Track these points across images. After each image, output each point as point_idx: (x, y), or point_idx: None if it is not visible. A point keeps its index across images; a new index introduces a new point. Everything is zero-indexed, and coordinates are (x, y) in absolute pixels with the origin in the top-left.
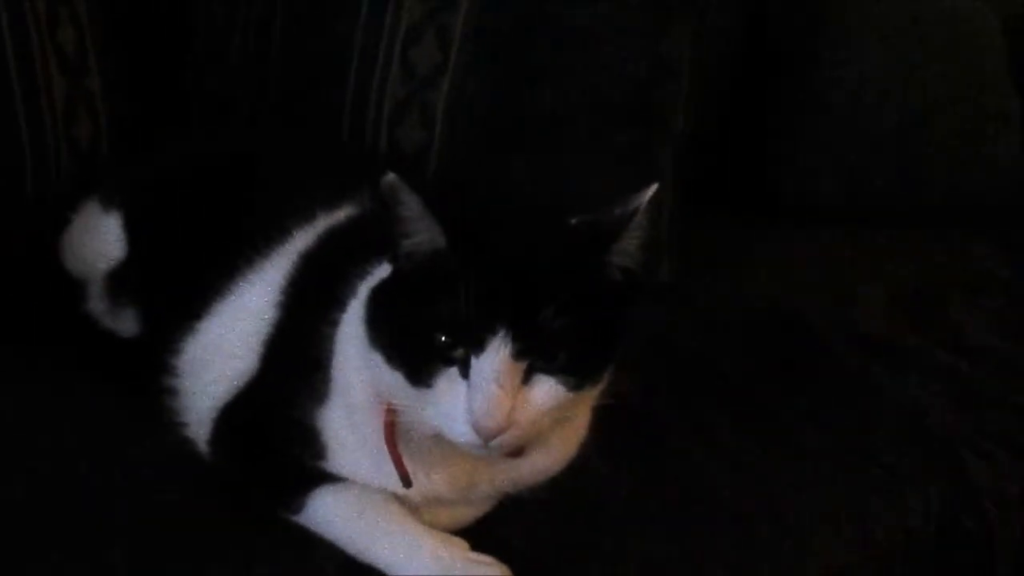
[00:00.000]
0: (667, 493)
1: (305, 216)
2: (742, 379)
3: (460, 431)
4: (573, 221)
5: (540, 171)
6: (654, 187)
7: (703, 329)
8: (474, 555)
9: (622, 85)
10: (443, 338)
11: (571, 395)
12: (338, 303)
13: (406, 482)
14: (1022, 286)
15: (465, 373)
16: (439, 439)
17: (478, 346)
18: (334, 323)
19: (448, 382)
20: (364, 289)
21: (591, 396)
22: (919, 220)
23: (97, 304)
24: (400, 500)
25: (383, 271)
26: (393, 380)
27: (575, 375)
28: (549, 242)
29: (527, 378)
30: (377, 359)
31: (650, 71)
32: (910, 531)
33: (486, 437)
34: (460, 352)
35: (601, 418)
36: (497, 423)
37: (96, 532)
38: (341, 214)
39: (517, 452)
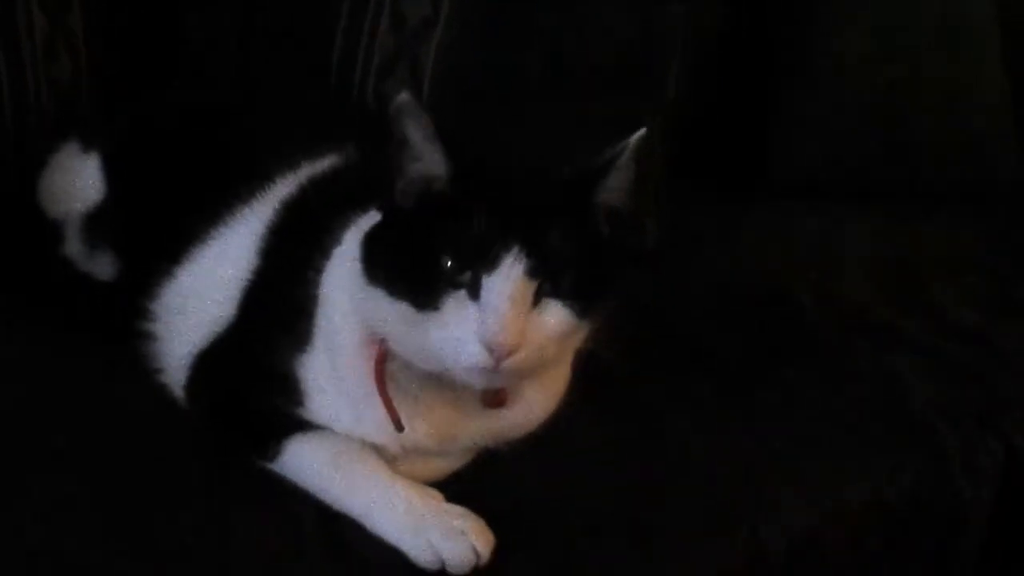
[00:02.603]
0: (643, 454)
1: (288, 164)
2: (724, 349)
3: (470, 352)
4: (565, 169)
5: (527, 130)
6: (642, 131)
7: (688, 301)
8: (448, 506)
9: (614, 48)
10: (450, 262)
11: (576, 322)
12: (322, 251)
13: (398, 426)
14: (1005, 266)
15: (475, 295)
16: (425, 385)
17: (491, 264)
18: (318, 270)
19: (456, 304)
20: (349, 237)
21: (573, 342)
22: (907, 198)
23: (74, 246)
24: (377, 450)
25: (368, 220)
26: (395, 312)
27: (581, 300)
28: (545, 178)
29: (536, 302)
30: (377, 294)
31: (643, 35)
32: (883, 502)
33: (499, 357)
34: (467, 276)
35: (582, 381)
36: (513, 339)
37: (68, 478)
38: (325, 164)
39: (499, 402)
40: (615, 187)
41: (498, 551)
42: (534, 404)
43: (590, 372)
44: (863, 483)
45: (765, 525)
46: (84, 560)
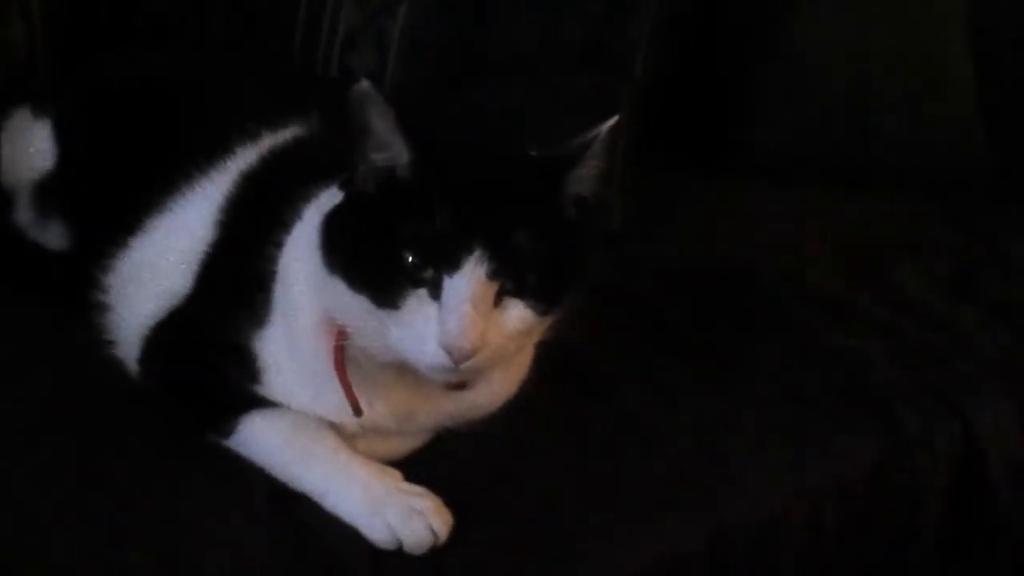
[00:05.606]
0: (605, 433)
1: (249, 135)
2: (688, 328)
3: (430, 353)
4: (532, 154)
5: (494, 107)
6: (614, 119)
7: (653, 278)
8: (407, 485)
9: (582, 24)
10: (411, 259)
11: (538, 320)
12: (282, 224)
13: (356, 411)
14: (968, 249)
15: (436, 294)
16: (385, 367)
17: (453, 265)
18: (278, 245)
19: (417, 303)
20: (311, 211)
21: (537, 332)
22: (874, 181)
23: (24, 215)
24: (335, 429)
25: (330, 194)
26: (356, 305)
27: (542, 299)
28: (512, 169)
29: (497, 301)
30: (337, 284)
31: (611, 12)
32: (843, 480)
33: (458, 359)
34: (429, 273)
35: (545, 360)
36: (472, 344)
37: (15, 454)
38: (287, 135)
39: (461, 385)
40: (585, 176)
41: (456, 531)
42: (496, 386)
43: (553, 350)
44: (824, 463)
45: (727, 505)
46: (29, 541)
